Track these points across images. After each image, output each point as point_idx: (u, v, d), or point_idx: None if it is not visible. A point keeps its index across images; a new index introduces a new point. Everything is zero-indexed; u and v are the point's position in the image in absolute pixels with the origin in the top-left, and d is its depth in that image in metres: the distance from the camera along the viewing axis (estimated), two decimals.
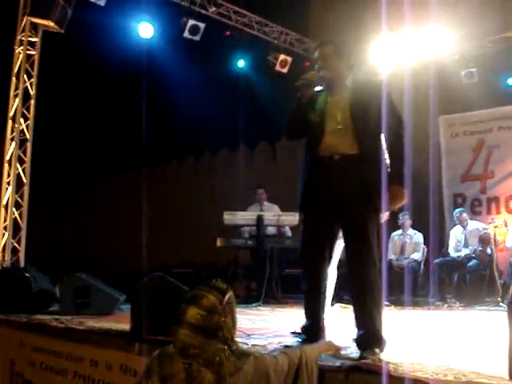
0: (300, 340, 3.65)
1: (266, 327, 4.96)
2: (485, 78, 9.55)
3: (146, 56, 8.23)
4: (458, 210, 8.85)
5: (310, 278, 3.68)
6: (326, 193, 3.50)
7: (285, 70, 9.80)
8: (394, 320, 6.14)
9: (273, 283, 7.95)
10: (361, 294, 3.38)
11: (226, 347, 2.41)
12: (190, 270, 9.30)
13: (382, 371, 2.78)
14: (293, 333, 4.02)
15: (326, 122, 3.56)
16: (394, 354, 3.35)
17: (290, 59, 9.82)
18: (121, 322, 4.73)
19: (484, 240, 8.05)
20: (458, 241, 8.50)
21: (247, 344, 3.70)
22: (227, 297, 2.47)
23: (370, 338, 3.29)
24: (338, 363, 3.02)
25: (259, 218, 7.70)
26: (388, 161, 3.51)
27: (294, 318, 5.87)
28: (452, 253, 8.45)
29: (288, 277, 8.42)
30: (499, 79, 9.70)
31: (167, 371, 2.39)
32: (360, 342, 3.33)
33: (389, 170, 3.47)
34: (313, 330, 3.63)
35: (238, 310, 5.58)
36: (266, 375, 2.55)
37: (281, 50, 9.82)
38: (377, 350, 3.22)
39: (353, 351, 3.34)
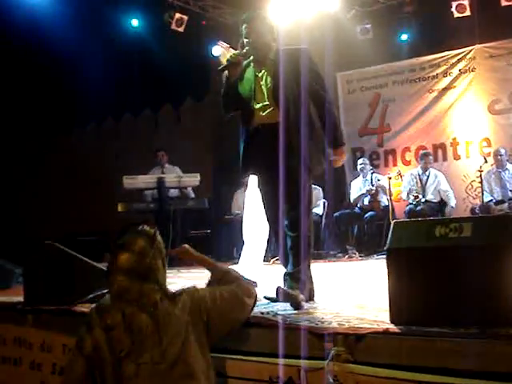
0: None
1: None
2: (379, 34, 9.71)
3: (31, 19, 7.81)
4: (362, 159, 9.09)
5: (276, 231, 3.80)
6: (262, 162, 3.69)
7: (181, 29, 9.59)
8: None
9: (177, 246, 7.91)
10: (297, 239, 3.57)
11: (158, 289, 2.49)
12: (93, 238, 9.08)
13: (269, 323, 2.83)
14: (268, 298, 3.72)
15: (256, 96, 3.73)
16: (286, 305, 3.42)
17: (186, 18, 9.63)
18: (20, 295, 4.59)
19: (376, 190, 8.38)
20: (359, 192, 8.75)
21: None
22: (156, 240, 2.57)
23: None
24: None
25: (160, 181, 7.61)
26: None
27: (198, 279, 5.89)
28: (352, 202, 8.69)
29: (193, 238, 8.40)
30: (393, 35, 9.90)
31: (108, 321, 2.45)
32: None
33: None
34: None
35: None
36: (203, 309, 2.61)
37: (176, 8, 9.60)
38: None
39: None
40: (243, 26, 3.77)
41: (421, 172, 8.60)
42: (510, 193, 8.16)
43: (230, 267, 3.13)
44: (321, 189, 8.69)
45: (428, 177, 8.55)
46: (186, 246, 3.23)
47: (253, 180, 4.66)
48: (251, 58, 3.79)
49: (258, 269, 5.00)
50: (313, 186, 8.54)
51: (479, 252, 2.61)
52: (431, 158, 8.79)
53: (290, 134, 3.58)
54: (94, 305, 2.73)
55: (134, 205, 7.89)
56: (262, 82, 3.74)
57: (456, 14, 8.93)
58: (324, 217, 8.76)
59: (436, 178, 8.57)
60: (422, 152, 8.93)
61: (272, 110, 3.66)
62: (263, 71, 3.76)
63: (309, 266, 3.71)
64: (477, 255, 2.60)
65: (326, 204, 8.84)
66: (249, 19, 3.75)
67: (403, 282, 2.71)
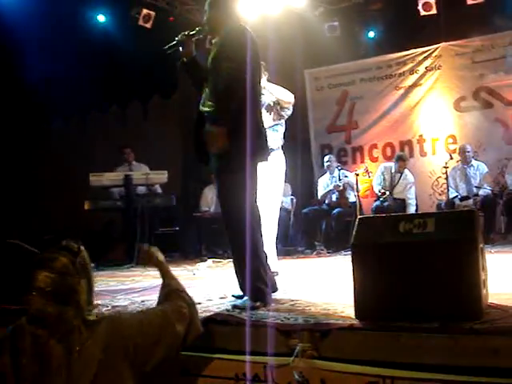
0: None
1: (134, 287, 4.91)
2: (347, 32, 9.75)
3: None
4: (328, 156, 9.13)
5: None
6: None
7: (148, 25, 9.50)
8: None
9: (145, 243, 7.84)
10: None
11: (77, 314, 2.23)
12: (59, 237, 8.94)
13: (235, 320, 2.82)
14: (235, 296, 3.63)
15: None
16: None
17: (153, 14, 9.54)
18: None
19: (343, 187, 8.45)
20: (326, 186, 8.79)
21: (107, 306, 3.64)
22: (80, 257, 2.30)
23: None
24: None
25: (127, 178, 7.54)
26: None
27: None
28: (319, 199, 8.73)
29: (161, 235, 8.34)
30: (360, 32, 9.96)
31: (19, 346, 2.20)
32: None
33: None
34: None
35: (109, 272, 5.52)
36: (126, 336, 2.32)
37: (143, 4, 9.51)
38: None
39: None
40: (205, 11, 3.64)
41: (394, 170, 8.67)
42: (474, 189, 8.28)
43: (177, 283, 2.83)
44: (289, 185, 8.71)
45: (401, 175, 8.63)
46: (154, 249, 3.03)
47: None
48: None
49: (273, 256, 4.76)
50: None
51: (442, 247, 2.64)
52: (407, 162, 8.84)
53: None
54: None
55: (101, 202, 7.80)
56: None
57: (422, 13, 9.00)
58: (292, 213, 8.78)
59: (407, 179, 8.66)
60: (398, 154, 8.98)
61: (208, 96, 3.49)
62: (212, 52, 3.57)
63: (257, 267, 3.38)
64: (440, 250, 2.64)
65: (295, 200, 8.87)
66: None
67: (368, 277, 2.73)
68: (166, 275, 2.89)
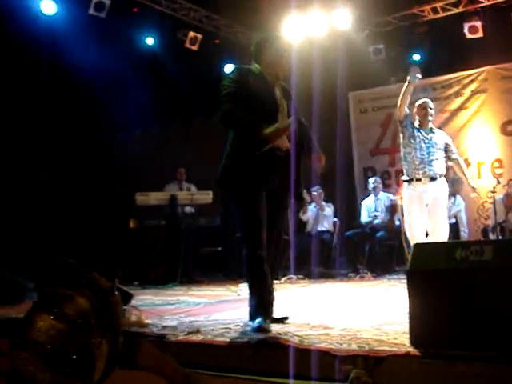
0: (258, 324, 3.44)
1: (180, 307, 4.95)
2: (391, 54, 9.75)
3: (49, 34, 7.89)
4: (371, 179, 9.08)
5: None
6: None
7: (195, 48, 9.67)
8: (304, 292, 6.29)
9: (189, 263, 7.91)
10: None
11: None
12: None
13: (289, 344, 2.82)
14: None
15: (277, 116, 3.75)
16: (303, 325, 3.41)
17: (200, 36, 9.70)
18: None
19: (391, 210, 8.34)
20: (370, 211, 8.73)
21: (157, 326, 3.67)
22: (110, 301, 1.44)
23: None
24: (245, 338, 3.05)
25: (172, 198, 7.62)
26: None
27: (208, 296, 5.90)
28: (363, 221, 8.67)
29: (204, 256, 8.40)
30: (405, 55, 9.93)
31: None
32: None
33: None
34: (268, 309, 3.65)
35: (153, 291, 5.42)
36: None
37: (190, 27, 9.68)
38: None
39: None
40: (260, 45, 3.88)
41: None
42: None
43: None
44: (332, 206, 8.70)
45: (454, 199, 8.50)
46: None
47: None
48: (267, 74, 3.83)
49: None
50: (325, 203, 8.63)
51: (500, 275, 2.60)
52: (462, 187, 8.69)
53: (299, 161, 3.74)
54: None
55: (146, 221, 7.90)
56: (283, 103, 3.81)
57: (468, 36, 8.96)
58: (336, 236, 8.75)
59: (457, 203, 8.52)
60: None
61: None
62: (276, 89, 3.82)
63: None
64: (497, 278, 2.59)
65: (338, 223, 8.84)
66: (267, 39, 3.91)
67: (423, 304, 2.70)
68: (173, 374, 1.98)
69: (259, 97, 3.66)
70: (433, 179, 5.74)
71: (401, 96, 5.81)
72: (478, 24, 8.92)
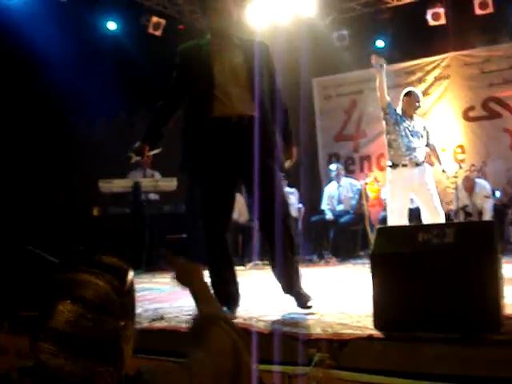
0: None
1: (144, 295, 4.92)
2: (356, 41, 9.77)
3: (7, 19, 7.71)
4: (333, 165, 9.12)
5: (217, 243, 3.59)
6: (227, 153, 3.41)
7: (158, 33, 9.55)
8: (269, 278, 6.28)
9: (154, 251, 7.84)
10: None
11: (114, 373, 1.28)
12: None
13: (252, 329, 2.82)
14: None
15: (218, 81, 3.42)
16: (268, 311, 3.41)
17: (163, 22, 9.59)
18: None
19: (360, 195, 8.44)
20: (332, 196, 8.78)
21: None
22: (128, 282, 1.37)
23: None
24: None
25: (136, 185, 7.53)
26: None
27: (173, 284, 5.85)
28: (325, 208, 8.71)
29: (169, 243, 8.34)
30: (369, 42, 9.97)
31: None
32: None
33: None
34: (233, 300, 3.50)
35: None
36: None
37: (153, 12, 9.55)
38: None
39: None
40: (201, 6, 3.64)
41: None
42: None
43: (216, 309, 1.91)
44: (297, 193, 8.72)
45: None
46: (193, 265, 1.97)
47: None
48: (208, 35, 3.58)
49: None
50: (289, 189, 8.63)
51: (462, 257, 2.63)
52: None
53: (266, 129, 3.38)
54: None
55: (110, 208, 7.80)
56: (231, 66, 3.44)
57: (431, 22, 9.03)
58: (300, 221, 8.79)
59: None
60: None
61: (246, 100, 3.40)
62: (229, 53, 3.48)
63: None
64: (459, 260, 2.63)
65: (303, 209, 8.87)
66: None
67: (387, 287, 2.72)
68: (204, 301, 1.87)
69: (195, 78, 3.47)
70: (417, 165, 5.84)
71: (377, 86, 5.91)
72: (441, 11, 9.00)
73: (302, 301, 3.39)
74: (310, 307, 3.35)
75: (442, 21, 9.01)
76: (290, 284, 3.47)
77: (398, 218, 5.77)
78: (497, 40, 9.04)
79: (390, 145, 5.93)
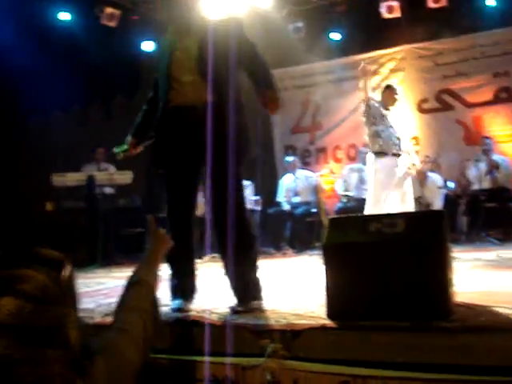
0: (176, 306, 3.30)
1: (99, 289, 4.85)
2: (312, 33, 9.80)
3: None
4: (289, 157, 9.16)
5: (180, 234, 3.38)
6: (187, 143, 3.31)
7: (113, 24, 9.41)
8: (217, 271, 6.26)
9: (109, 245, 7.74)
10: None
11: (67, 356, 1.36)
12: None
13: (205, 321, 2.80)
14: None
15: (174, 71, 3.37)
16: (222, 303, 3.39)
17: (117, 12, 9.44)
18: None
19: (316, 188, 8.50)
20: (289, 189, 8.82)
21: None
22: (66, 273, 1.44)
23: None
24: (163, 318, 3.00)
25: (90, 178, 7.43)
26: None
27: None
28: (282, 200, 8.75)
29: (126, 237, 8.25)
30: (325, 34, 10.01)
31: None
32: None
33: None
34: (189, 292, 3.43)
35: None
36: (128, 362, 1.64)
37: (107, 2, 9.40)
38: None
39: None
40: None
41: (361, 167, 8.77)
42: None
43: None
44: (253, 185, 8.72)
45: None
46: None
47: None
48: (169, 27, 3.54)
49: None
50: (245, 181, 8.63)
51: (411, 247, 2.66)
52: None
53: (223, 114, 3.19)
54: None
55: (64, 203, 7.68)
56: (185, 54, 3.36)
57: (386, 15, 9.12)
58: (258, 215, 8.80)
59: None
60: (362, 149, 9.14)
61: (199, 87, 3.27)
62: (187, 41, 3.39)
63: None
64: (409, 250, 2.66)
65: (260, 201, 8.88)
66: None
67: (339, 277, 2.73)
68: (146, 265, 2.29)
69: (158, 71, 3.47)
70: (399, 156, 6.17)
71: (361, 88, 6.42)
72: (395, 4, 9.10)
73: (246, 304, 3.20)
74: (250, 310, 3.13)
75: (397, 14, 9.11)
76: (240, 288, 3.30)
77: (380, 206, 5.95)
78: (450, 33, 9.17)
79: (378, 135, 6.11)
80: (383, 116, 6.18)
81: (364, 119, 6.28)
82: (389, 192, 6.05)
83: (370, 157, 6.21)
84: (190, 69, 3.33)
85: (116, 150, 3.79)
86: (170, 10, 3.55)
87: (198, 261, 3.76)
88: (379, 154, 6.08)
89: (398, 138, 6.21)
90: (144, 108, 3.69)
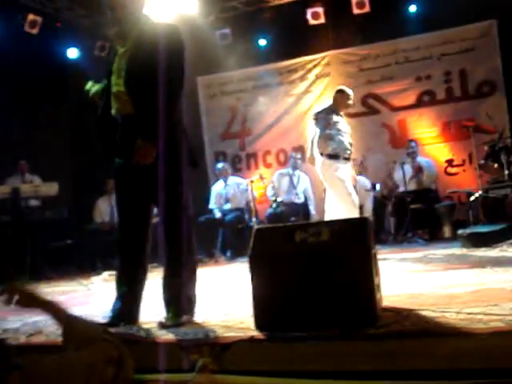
0: (113, 308, 3.30)
1: None
2: (239, 40, 9.83)
3: None
4: (219, 164, 9.15)
5: (129, 249, 3.41)
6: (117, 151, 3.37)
7: (35, 31, 9.17)
8: (157, 281, 6.18)
9: (37, 259, 7.51)
10: None
11: None
12: None
13: (134, 338, 2.76)
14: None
15: (111, 79, 3.38)
16: (151, 318, 3.35)
17: (39, 19, 9.21)
18: None
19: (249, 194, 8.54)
20: (220, 196, 8.81)
21: None
22: None
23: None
24: None
25: (14, 191, 7.19)
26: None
27: (57, 293, 5.64)
28: (213, 207, 8.73)
29: (54, 250, 8.03)
30: (252, 41, 10.06)
31: None
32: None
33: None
34: (129, 298, 3.34)
35: None
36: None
37: (29, 9, 9.16)
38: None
39: None
40: None
41: (291, 172, 8.86)
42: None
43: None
44: None
45: (298, 178, 8.83)
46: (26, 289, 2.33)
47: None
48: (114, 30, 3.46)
49: None
50: None
51: (336, 255, 2.70)
52: (300, 156, 9.16)
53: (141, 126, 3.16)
54: None
55: None
56: (122, 62, 3.32)
57: (311, 21, 9.25)
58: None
59: (304, 180, 8.88)
60: (292, 152, 9.26)
61: (126, 98, 3.26)
62: (125, 49, 3.35)
63: None
64: (334, 258, 2.70)
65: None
66: None
67: (266, 288, 2.74)
68: (62, 317, 2.20)
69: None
70: (349, 160, 6.34)
71: None
72: (320, 10, 9.26)
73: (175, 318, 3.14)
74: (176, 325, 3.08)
75: (322, 20, 9.26)
76: (171, 302, 3.26)
77: (354, 206, 6.14)
78: (374, 38, 9.39)
79: (331, 138, 6.17)
80: (337, 122, 6.27)
81: (315, 124, 6.34)
82: (350, 193, 6.17)
83: (320, 159, 6.22)
84: (119, 81, 3.31)
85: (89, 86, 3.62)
86: (110, 22, 3.50)
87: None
88: (331, 156, 6.14)
89: (350, 144, 6.33)
90: None
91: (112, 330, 3.04)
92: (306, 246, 2.72)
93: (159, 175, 3.18)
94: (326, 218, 6.02)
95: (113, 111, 3.37)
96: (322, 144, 6.22)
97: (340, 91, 6.52)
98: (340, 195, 6.17)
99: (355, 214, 6.05)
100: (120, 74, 3.30)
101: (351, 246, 2.68)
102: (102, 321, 3.22)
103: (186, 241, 3.31)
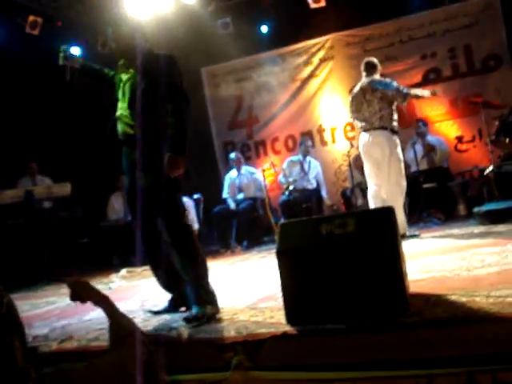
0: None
1: (50, 310, 4.72)
2: (240, 28, 9.76)
3: None
4: (232, 154, 9.12)
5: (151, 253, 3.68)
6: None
7: (36, 32, 9.15)
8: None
9: (54, 260, 7.53)
10: None
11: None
12: None
13: (166, 339, 2.77)
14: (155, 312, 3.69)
15: (119, 107, 3.70)
16: (179, 315, 3.36)
17: (40, 20, 9.18)
18: None
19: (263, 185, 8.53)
20: (234, 185, 8.79)
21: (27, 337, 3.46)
22: (4, 303, 1.62)
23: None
24: None
25: (28, 194, 7.19)
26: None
27: None
28: (227, 196, 8.72)
29: (71, 249, 8.06)
30: (254, 28, 10.01)
31: None
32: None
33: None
34: (178, 300, 3.61)
35: (20, 295, 5.07)
36: None
37: (29, 10, 9.12)
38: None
39: None
40: (109, 31, 3.73)
41: (301, 158, 8.83)
42: None
43: (129, 322, 2.20)
44: (192, 200, 8.67)
45: (309, 164, 8.80)
46: (82, 279, 2.33)
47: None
48: (121, 61, 3.76)
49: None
50: (185, 198, 8.57)
51: (364, 246, 2.69)
52: (310, 142, 9.12)
53: (147, 148, 3.47)
54: None
55: (3, 222, 7.42)
56: (126, 89, 3.67)
57: (312, 5, 9.17)
58: (201, 213, 8.77)
59: (315, 166, 8.86)
60: (302, 138, 9.23)
61: (130, 120, 3.58)
62: (129, 76, 3.70)
63: None
64: (362, 249, 2.69)
65: (202, 199, 8.85)
66: (113, 23, 3.73)
67: (295, 282, 2.75)
68: (112, 312, 2.16)
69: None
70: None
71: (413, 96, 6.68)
72: None
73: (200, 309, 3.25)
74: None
75: (322, 3, 9.17)
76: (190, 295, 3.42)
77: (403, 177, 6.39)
78: (376, 18, 9.31)
79: (394, 113, 6.42)
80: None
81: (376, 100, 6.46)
82: None
83: (386, 134, 6.26)
84: (125, 103, 3.64)
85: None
86: (117, 43, 3.72)
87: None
88: (395, 132, 6.31)
89: None
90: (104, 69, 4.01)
91: (145, 330, 3.08)
92: (334, 238, 2.72)
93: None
94: (385, 196, 6.33)
95: (118, 132, 3.68)
96: (387, 118, 6.31)
97: (377, 63, 6.89)
98: (400, 171, 6.31)
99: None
100: (124, 99, 3.63)
101: (378, 236, 2.67)
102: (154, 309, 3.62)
103: (188, 242, 3.48)
